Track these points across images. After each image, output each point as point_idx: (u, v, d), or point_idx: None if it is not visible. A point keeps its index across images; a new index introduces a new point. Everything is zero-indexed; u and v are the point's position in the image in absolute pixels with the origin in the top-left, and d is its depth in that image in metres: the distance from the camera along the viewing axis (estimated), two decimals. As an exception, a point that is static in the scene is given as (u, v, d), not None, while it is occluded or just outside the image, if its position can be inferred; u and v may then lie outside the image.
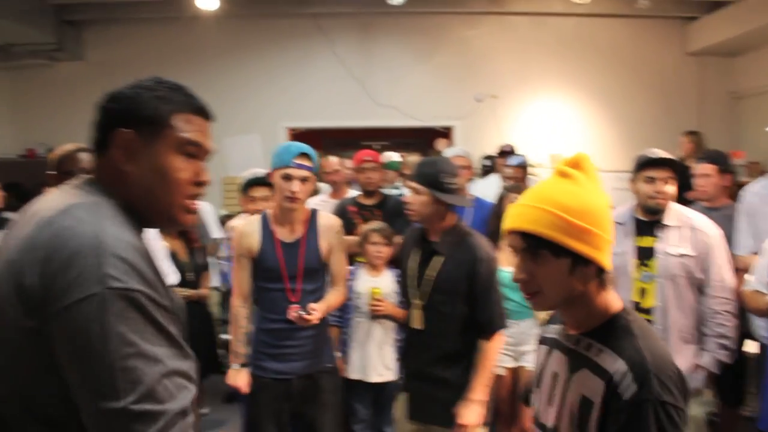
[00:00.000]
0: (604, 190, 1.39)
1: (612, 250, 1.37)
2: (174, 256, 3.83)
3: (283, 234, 2.78)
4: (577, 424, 1.33)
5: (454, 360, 2.60)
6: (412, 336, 2.69)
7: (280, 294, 2.75)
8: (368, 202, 4.11)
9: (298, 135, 10.25)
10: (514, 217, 1.37)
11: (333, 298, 2.83)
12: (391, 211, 3.96)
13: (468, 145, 6.73)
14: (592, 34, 7.33)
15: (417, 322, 2.63)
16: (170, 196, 1.24)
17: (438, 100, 7.31)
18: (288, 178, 2.66)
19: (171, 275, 3.58)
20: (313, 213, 2.86)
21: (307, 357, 2.78)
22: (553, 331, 1.54)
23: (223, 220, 5.32)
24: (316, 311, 2.67)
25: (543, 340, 1.60)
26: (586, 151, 1.46)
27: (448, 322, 2.59)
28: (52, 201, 1.16)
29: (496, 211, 3.43)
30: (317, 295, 2.79)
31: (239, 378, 2.77)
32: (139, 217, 1.22)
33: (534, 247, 1.32)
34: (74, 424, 1.05)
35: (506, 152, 5.61)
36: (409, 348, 2.74)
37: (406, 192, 5.26)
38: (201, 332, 3.93)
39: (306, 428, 2.85)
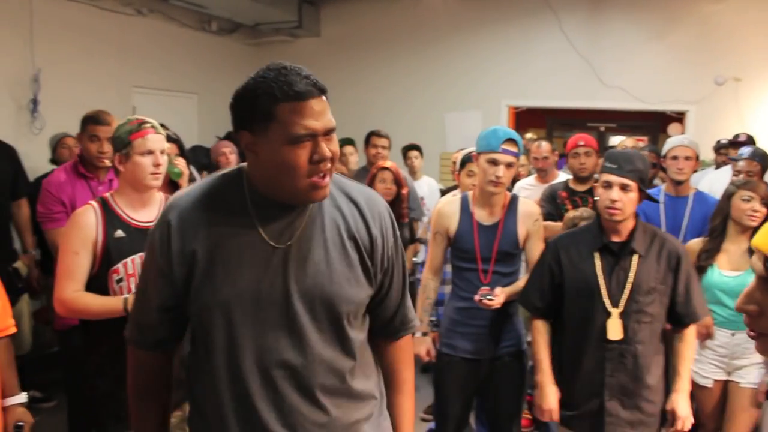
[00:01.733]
0: None
1: None
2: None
3: (482, 216, 2.85)
4: None
5: (655, 363, 2.49)
6: (604, 350, 2.47)
7: (473, 274, 2.83)
8: (580, 188, 4.00)
9: (521, 113, 10.17)
10: (764, 235, 1.06)
11: (520, 285, 2.82)
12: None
13: (703, 132, 6.21)
14: None
15: (615, 332, 2.45)
16: (292, 182, 1.35)
17: (671, 82, 6.77)
18: (494, 162, 2.72)
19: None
20: (514, 198, 2.90)
21: (497, 338, 2.84)
22: None
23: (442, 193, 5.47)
24: (498, 296, 2.71)
25: None
26: None
27: (652, 325, 2.47)
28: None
29: (721, 207, 3.15)
30: (511, 279, 2.84)
31: (420, 345, 2.90)
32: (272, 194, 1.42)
33: None
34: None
35: (739, 142, 5.06)
36: (605, 362, 2.48)
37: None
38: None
39: (488, 409, 2.94)
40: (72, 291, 2.24)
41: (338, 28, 7.69)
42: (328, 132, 1.36)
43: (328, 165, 1.36)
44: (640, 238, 2.48)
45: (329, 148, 1.35)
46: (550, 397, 2.53)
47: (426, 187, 5.51)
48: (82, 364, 2.44)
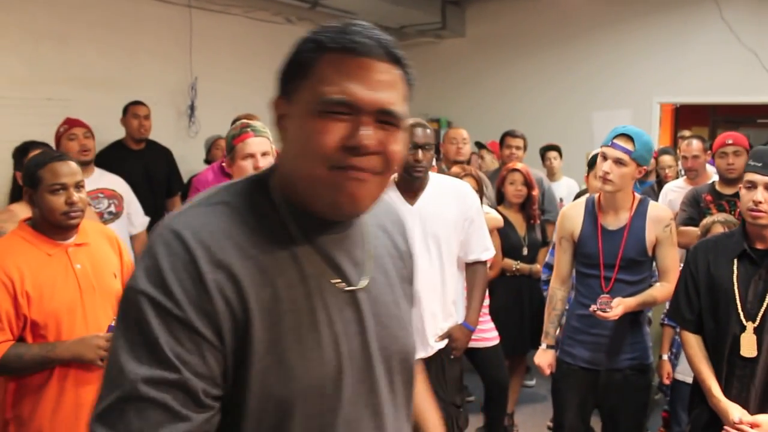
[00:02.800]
0: None
1: None
2: (511, 229, 3.96)
3: (607, 220, 2.72)
4: None
5: None
6: (736, 367, 2.28)
7: (594, 281, 2.70)
8: (728, 191, 3.70)
9: (681, 110, 9.52)
10: None
11: (652, 294, 2.65)
12: None
13: None
14: None
15: (749, 348, 2.24)
16: (307, 169, 0.92)
17: None
18: (603, 157, 2.61)
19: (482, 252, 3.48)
20: (643, 201, 2.74)
21: (618, 349, 2.69)
22: None
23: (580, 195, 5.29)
24: (615, 308, 2.53)
25: None
26: None
27: None
28: None
29: None
30: (637, 288, 2.66)
31: (543, 358, 2.82)
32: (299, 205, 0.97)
33: None
34: None
35: None
36: (733, 380, 2.29)
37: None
38: (530, 305, 3.99)
39: (606, 422, 2.80)
40: None
41: (483, 28, 7.62)
42: (382, 114, 0.93)
43: (365, 162, 0.92)
44: None
45: (380, 139, 0.93)
46: (733, 412, 2.24)
47: (565, 188, 5.36)
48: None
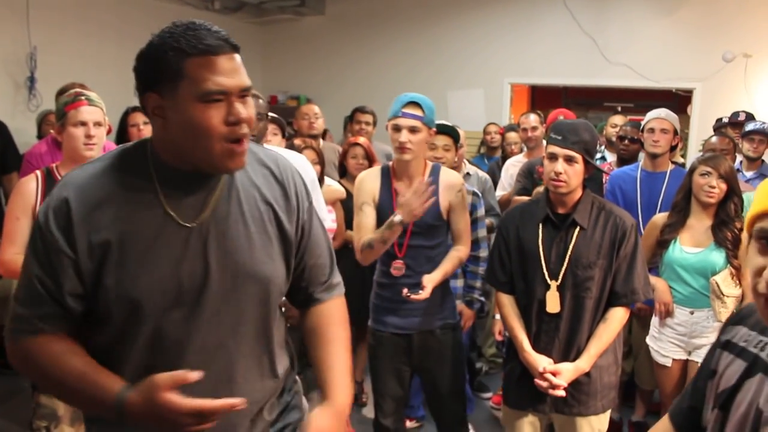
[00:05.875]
0: None
1: None
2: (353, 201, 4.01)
3: (402, 187, 2.69)
4: None
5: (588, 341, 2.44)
6: (543, 322, 2.45)
7: (390, 247, 2.68)
8: (559, 164, 3.94)
9: (538, 93, 10.04)
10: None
11: (451, 262, 2.72)
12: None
13: (710, 110, 6.07)
14: None
15: (553, 305, 2.41)
16: (205, 145, 1.24)
17: (677, 59, 6.60)
18: (397, 128, 2.60)
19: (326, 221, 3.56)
20: (435, 168, 2.76)
21: (427, 312, 2.73)
22: (746, 338, 1.19)
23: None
24: (426, 287, 2.56)
25: (729, 347, 1.23)
26: None
27: (590, 300, 2.41)
28: None
29: (684, 183, 3.07)
30: (434, 252, 2.71)
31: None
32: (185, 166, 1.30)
33: None
34: None
35: (739, 122, 4.91)
36: (541, 334, 2.46)
37: (609, 157, 4.98)
38: (371, 275, 4.05)
39: (427, 384, 2.87)
40: (12, 253, 2.32)
41: (343, 6, 7.66)
42: (242, 92, 1.26)
43: (245, 129, 1.26)
44: (583, 211, 2.42)
45: (246, 109, 1.26)
46: (539, 363, 2.40)
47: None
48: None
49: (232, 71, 1.24)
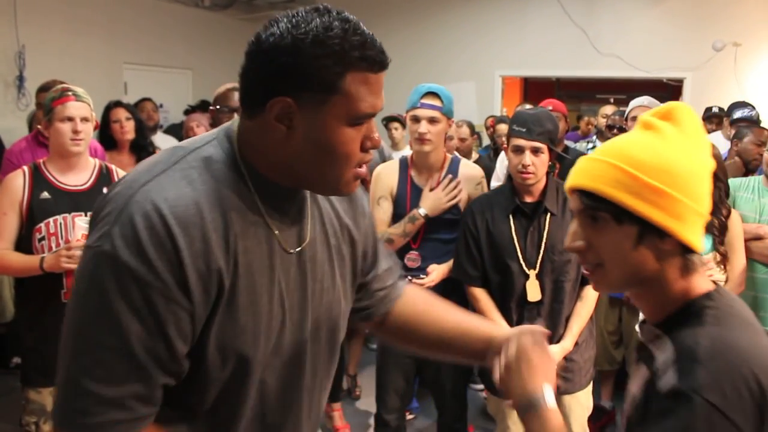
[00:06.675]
0: (706, 150, 1.11)
1: (704, 225, 1.08)
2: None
3: (421, 180, 2.71)
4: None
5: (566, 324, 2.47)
6: (525, 310, 2.45)
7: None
8: (550, 153, 3.96)
9: (531, 85, 10.05)
10: (574, 173, 1.13)
11: None
12: (570, 165, 3.77)
13: (700, 100, 6.07)
14: None
15: (534, 293, 2.42)
16: (337, 171, 1.04)
17: (667, 49, 6.62)
18: (416, 119, 2.59)
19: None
20: (454, 161, 2.76)
21: None
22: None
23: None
24: (431, 274, 2.57)
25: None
26: None
27: (568, 283, 2.43)
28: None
29: None
30: (451, 246, 2.69)
31: None
32: (284, 182, 1.07)
33: (592, 208, 1.08)
34: None
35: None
36: (523, 322, 2.43)
37: (599, 145, 5.00)
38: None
39: (430, 381, 2.87)
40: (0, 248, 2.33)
41: (333, 1, 7.50)
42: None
43: (371, 156, 1.09)
44: (552, 197, 2.44)
45: (378, 134, 1.08)
46: None
47: (407, 158, 5.51)
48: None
49: (381, 90, 1.03)
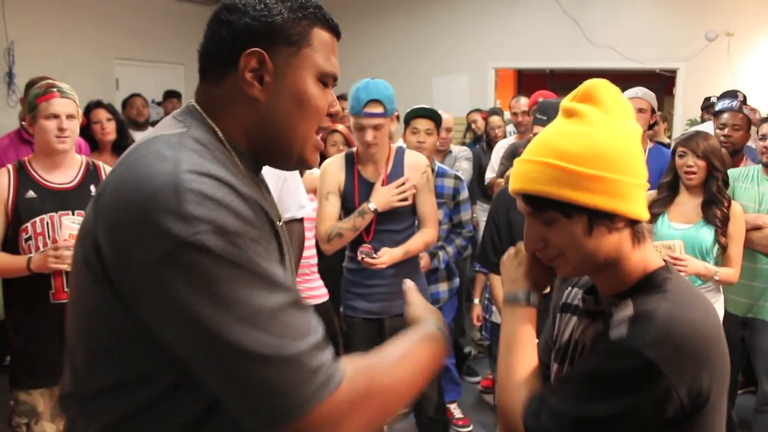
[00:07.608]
0: (631, 119, 1.12)
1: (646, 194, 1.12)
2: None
3: (368, 173, 2.72)
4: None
5: None
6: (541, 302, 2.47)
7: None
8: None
9: (525, 77, 10.02)
10: (513, 177, 1.14)
11: (415, 242, 2.71)
12: None
13: (694, 90, 6.08)
14: None
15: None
16: (306, 129, 1.04)
17: (660, 40, 6.60)
18: (360, 127, 2.60)
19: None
20: (399, 150, 2.77)
21: (396, 296, 2.64)
22: (576, 297, 1.30)
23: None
24: (382, 257, 2.58)
25: (565, 308, 1.35)
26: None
27: None
28: (144, 135, 1.03)
29: (671, 164, 3.06)
30: (404, 236, 2.71)
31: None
32: (255, 155, 1.05)
33: (539, 209, 1.10)
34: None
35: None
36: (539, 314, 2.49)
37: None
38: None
39: None
40: None
41: (326, -6, 7.60)
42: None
43: (329, 125, 1.11)
44: None
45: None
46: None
47: (402, 151, 5.48)
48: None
49: (337, 59, 1.08)
